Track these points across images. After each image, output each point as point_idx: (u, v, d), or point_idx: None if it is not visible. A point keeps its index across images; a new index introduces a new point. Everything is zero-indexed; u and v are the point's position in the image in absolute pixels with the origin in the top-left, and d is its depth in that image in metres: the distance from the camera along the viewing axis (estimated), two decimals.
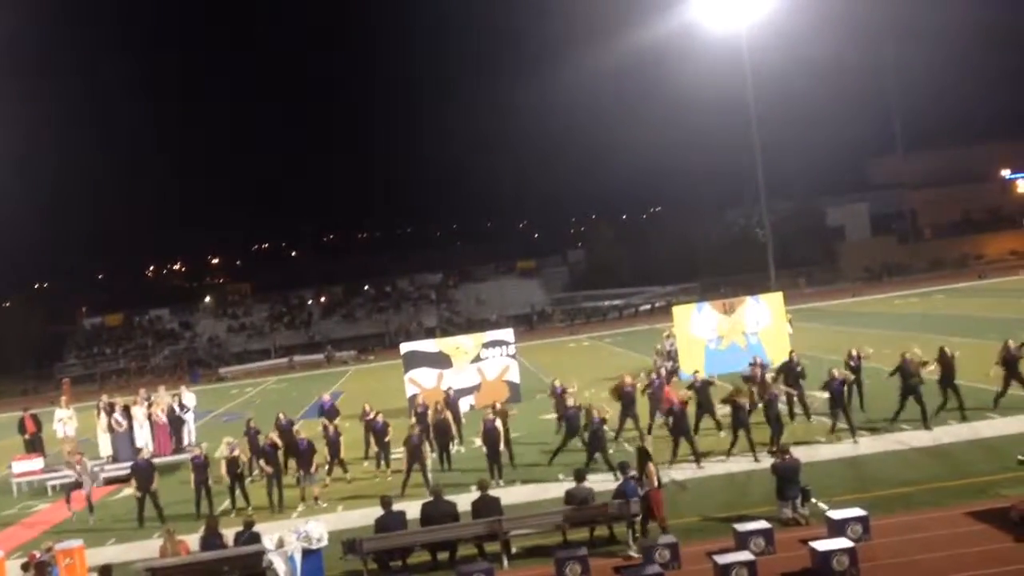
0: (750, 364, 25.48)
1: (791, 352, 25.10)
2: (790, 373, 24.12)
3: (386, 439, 24.26)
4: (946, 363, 22.73)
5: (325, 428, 24.37)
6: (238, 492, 22.05)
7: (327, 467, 23.64)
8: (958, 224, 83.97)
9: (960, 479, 18.19)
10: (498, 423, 22.57)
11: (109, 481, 27.16)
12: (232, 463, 21.82)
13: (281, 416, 25.75)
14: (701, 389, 23.63)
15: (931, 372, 22.70)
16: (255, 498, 22.07)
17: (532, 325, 73.66)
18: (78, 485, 23.59)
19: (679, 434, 21.31)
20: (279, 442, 23.21)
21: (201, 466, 21.95)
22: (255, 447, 23.21)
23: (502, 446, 22.51)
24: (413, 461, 21.95)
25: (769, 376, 23.46)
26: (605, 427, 21.44)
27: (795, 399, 24.22)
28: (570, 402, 23.44)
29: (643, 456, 17.68)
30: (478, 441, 23.67)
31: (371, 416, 25.19)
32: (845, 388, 22.35)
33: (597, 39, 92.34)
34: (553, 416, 26.65)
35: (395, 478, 23.42)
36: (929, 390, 22.52)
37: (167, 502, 22.53)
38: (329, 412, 27.18)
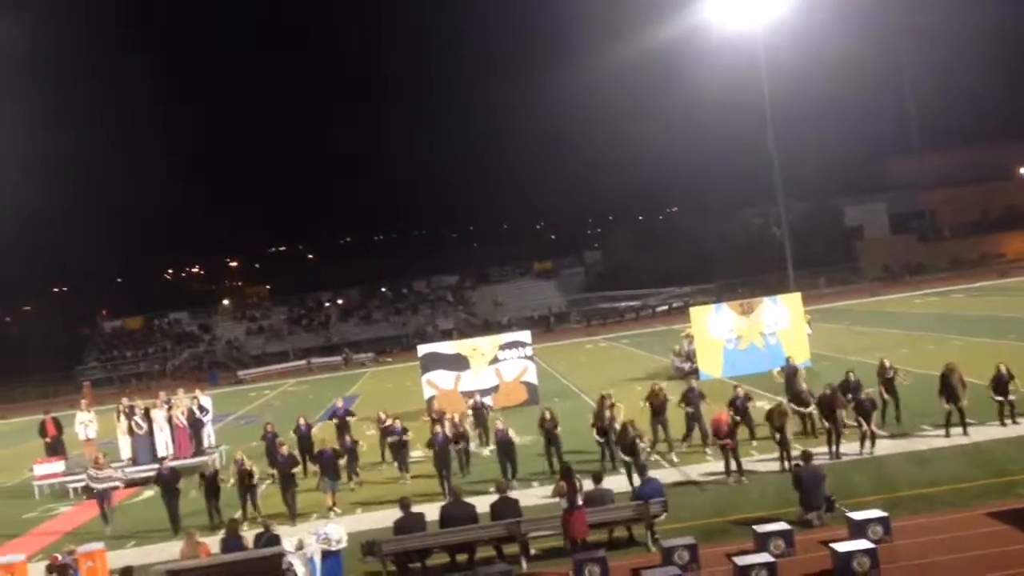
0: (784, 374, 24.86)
1: (848, 372, 23.15)
2: (850, 391, 22.33)
3: (405, 444, 24.03)
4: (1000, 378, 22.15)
5: (340, 436, 24.33)
6: (248, 502, 21.72)
7: (346, 475, 23.39)
8: (977, 223, 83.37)
9: (982, 479, 18.08)
10: (511, 432, 22.35)
11: (129, 484, 27.26)
12: (246, 475, 21.49)
13: (301, 421, 25.72)
14: (742, 407, 23.02)
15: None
16: (269, 506, 21.89)
17: (549, 326, 73.64)
18: (115, 488, 23.52)
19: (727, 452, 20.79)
20: (297, 456, 23.06)
21: (212, 477, 21.75)
22: (273, 452, 23.03)
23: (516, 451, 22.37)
24: (442, 465, 21.86)
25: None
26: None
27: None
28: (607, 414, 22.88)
29: (565, 474, 17.72)
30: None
31: (387, 423, 25.06)
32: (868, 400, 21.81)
33: (612, 40, 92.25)
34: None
35: (414, 483, 23.26)
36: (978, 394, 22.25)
37: (184, 507, 22.35)
38: (342, 417, 27.03)
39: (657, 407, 23.86)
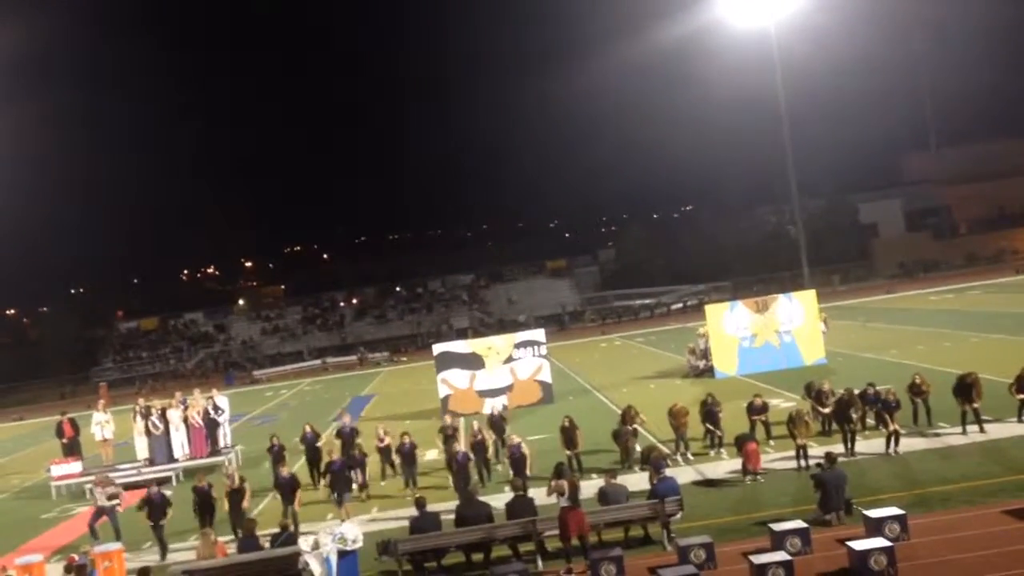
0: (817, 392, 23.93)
1: (869, 384, 22.53)
2: (868, 403, 22.07)
3: (414, 460, 23.27)
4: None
5: (345, 451, 23.78)
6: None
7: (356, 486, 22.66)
8: (993, 219, 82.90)
9: (999, 477, 18.00)
10: (523, 447, 21.63)
11: (143, 485, 27.19)
12: (235, 494, 20.50)
13: (308, 429, 25.43)
14: (761, 411, 23.07)
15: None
16: (272, 520, 20.19)
17: (563, 325, 73.60)
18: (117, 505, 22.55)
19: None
20: (298, 478, 21.87)
21: (206, 493, 20.92)
22: (276, 469, 22.20)
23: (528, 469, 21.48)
24: (461, 481, 21.07)
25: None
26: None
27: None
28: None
29: (557, 472, 17.47)
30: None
31: (385, 443, 24.29)
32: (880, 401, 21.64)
33: (626, 38, 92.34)
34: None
35: (430, 492, 21.82)
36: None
37: (186, 512, 21.24)
38: (348, 436, 25.38)
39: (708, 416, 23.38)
